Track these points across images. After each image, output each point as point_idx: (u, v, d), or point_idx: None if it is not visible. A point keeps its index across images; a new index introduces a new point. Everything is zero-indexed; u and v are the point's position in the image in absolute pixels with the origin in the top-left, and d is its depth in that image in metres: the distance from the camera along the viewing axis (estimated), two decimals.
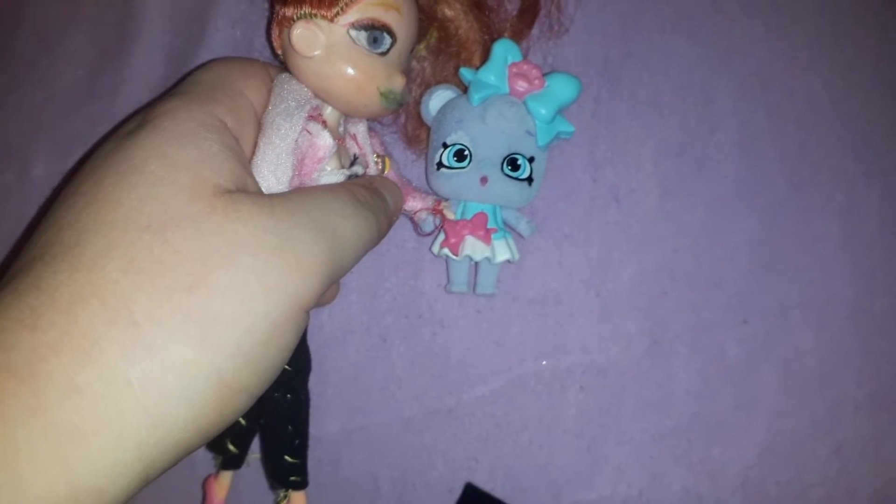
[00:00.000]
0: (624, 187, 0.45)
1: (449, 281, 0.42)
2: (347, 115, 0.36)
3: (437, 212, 0.41)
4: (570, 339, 0.44)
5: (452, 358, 0.44)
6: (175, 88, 0.32)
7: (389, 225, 0.36)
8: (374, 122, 0.39)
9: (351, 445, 0.43)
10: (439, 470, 0.43)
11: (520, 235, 0.42)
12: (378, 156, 0.38)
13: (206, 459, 0.42)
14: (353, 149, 0.37)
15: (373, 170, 0.38)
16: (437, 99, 0.41)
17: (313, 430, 0.38)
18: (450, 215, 0.41)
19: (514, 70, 0.40)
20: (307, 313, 0.29)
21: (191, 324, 0.25)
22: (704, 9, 0.46)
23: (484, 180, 0.40)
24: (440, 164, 0.40)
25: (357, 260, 0.32)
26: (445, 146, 0.40)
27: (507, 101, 0.40)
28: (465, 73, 0.40)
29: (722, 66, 0.46)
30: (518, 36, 0.42)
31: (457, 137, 0.40)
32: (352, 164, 0.36)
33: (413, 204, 0.40)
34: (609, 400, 0.44)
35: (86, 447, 0.23)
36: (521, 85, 0.40)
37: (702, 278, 0.44)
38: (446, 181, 0.41)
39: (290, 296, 0.27)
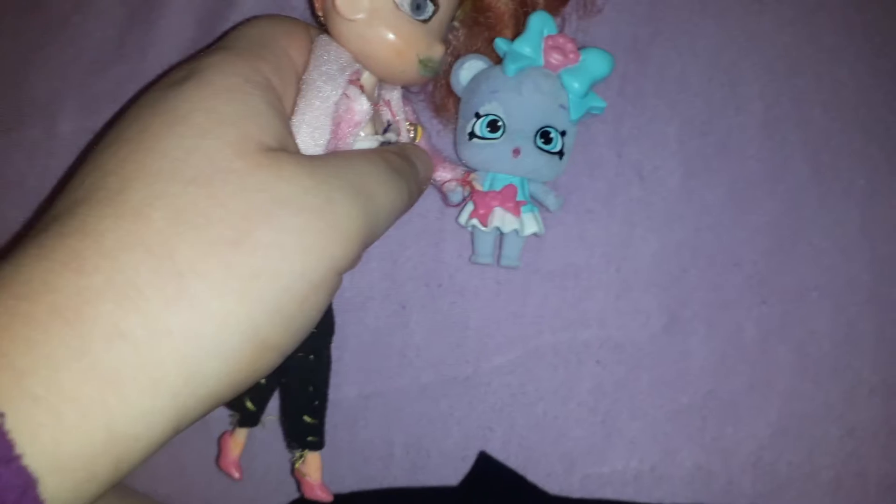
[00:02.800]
0: (648, 165, 0.45)
1: (474, 252, 0.42)
2: (383, 81, 0.36)
3: (465, 183, 0.41)
4: (589, 313, 0.44)
5: (470, 327, 0.44)
6: (220, 42, 0.32)
7: (420, 193, 0.36)
8: (405, 89, 0.39)
9: (367, 410, 0.44)
10: (454, 438, 0.43)
11: (545, 209, 0.42)
12: (410, 124, 0.38)
13: (220, 418, 0.43)
14: (387, 115, 0.37)
15: (405, 137, 0.38)
16: (468, 69, 0.41)
17: (331, 393, 0.38)
18: (478, 187, 0.41)
19: (550, 43, 0.40)
20: (341, 276, 0.29)
21: (232, 278, 0.25)
22: None
23: (517, 152, 0.40)
24: (472, 134, 0.40)
25: (389, 226, 0.32)
26: (478, 116, 0.40)
27: (543, 73, 0.40)
28: (501, 43, 0.40)
29: (749, 49, 0.46)
30: (553, 12, 0.42)
31: (490, 108, 0.40)
32: (385, 130, 0.36)
33: (443, 174, 0.40)
34: (625, 375, 0.44)
35: (125, 393, 0.23)
36: (556, 58, 0.40)
37: (722, 257, 0.45)
38: (478, 151, 0.41)
39: (326, 258, 0.27)
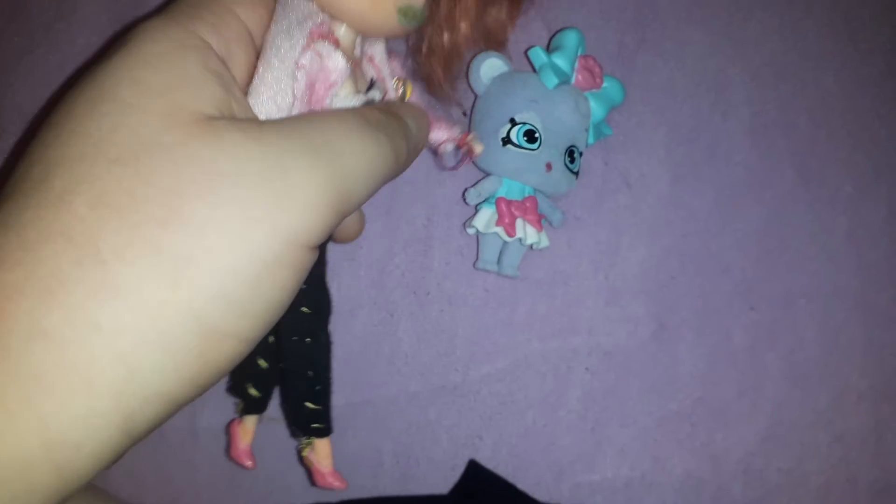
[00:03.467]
0: (635, 172, 0.45)
1: (478, 258, 0.42)
2: (363, 35, 0.32)
3: (463, 144, 0.38)
4: (578, 320, 0.44)
5: (459, 335, 0.44)
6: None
7: (413, 151, 0.32)
8: (393, 42, 0.36)
9: (355, 419, 0.43)
10: (443, 446, 0.43)
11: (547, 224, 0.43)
12: (398, 79, 0.35)
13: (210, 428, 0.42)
14: (371, 72, 0.33)
15: (392, 95, 0.34)
16: (489, 67, 0.41)
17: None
18: (478, 148, 0.38)
19: (583, 63, 0.40)
20: (311, 250, 0.26)
21: (164, 262, 0.22)
22: None
23: (549, 166, 0.40)
24: (507, 140, 0.40)
25: (372, 189, 0.28)
26: (514, 123, 0.40)
27: (579, 93, 0.41)
28: (540, 53, 0.40)
29: (736, 56, 0.46)
30: None
31: (528, 117, 0.40)
32: (368, 88, 0.32)
33: (438, 134, 0.37)
34: (614, 382, 0.44)
35: (56, 395, 0.21)
36: (586, 79, 0.40)
37: (710, 264, 0.45)
38: (511, 159, 0.40)
39: (279, 230, 0.24)
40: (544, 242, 0.41)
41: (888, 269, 0.45)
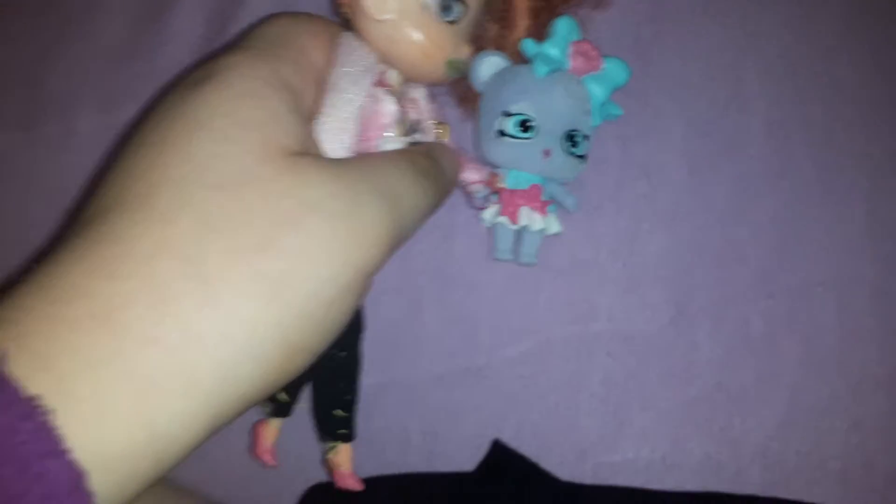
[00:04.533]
0: (653, 162, 0.46)
1: (494, 248, 0.43)
2: (410, 80, 0.36)
3: (491, 185, 0.41)
4: (598, 307, 0.45)
5: (482, 320, 0.45)
6: (239, 42, 0.32)
7: (447, 193, 0.36)
8: (431, 86, 0.39)
9: (384, 399, 0.44)
10: (468, 426, 0.44)
11: (562, 209, 0.43)
12: (437, 122, 0.38)
13: None
14: (413, 114, 0.36)
15: (431, 136, 0.37)
16: (488, 65, 0.42)
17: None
18: (502, 186, 0.41)
19: (576, 49, 0.41)
20: (369, 279, 0.29)
21: (260, 283, 0.25)
22: None
23: (547, 153, 0.40)
24: (502, 133, 0.41)
25: (417, 228, 0.32)
26: (508, 115, 0.41)
27: (572, 78, 0.41)
28: (530, 44, 0.41)
29: (751, 49, 0.47)
30: (564, 6, 0.43)
31: (521, 107, 0.40)
32: (412, 130, 0.36)
33: (469, 175, 0.40)
34: (634, 367, 0.44)
35: (161, 396, 0.23)
36: (582, 64, 0.41)
37: (727, 253, 0.45)
38: (507, 150, 0.41)
39: (353, 262, 0.27)
40: (554, 228, 0.42)
41: None
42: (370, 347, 0.44)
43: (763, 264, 0.45)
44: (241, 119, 0.27)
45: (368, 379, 0.44)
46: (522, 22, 0.41)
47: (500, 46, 0.42)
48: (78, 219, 0.27)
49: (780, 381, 0.45)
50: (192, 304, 0.24)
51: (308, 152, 0.29)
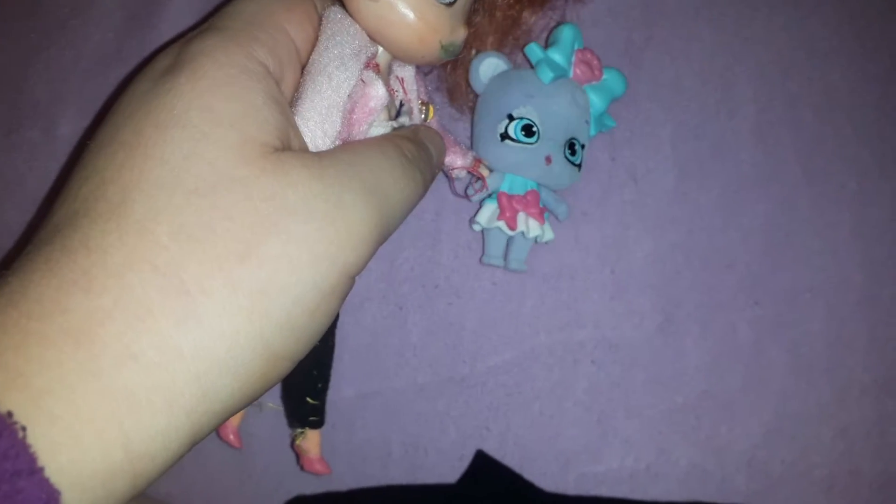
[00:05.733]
0: (641, 167, 0.46)
1: (485, 253, 0.43)
2: (400, 61, 0.34)
3: (475, 172, 0.40)
4: (584, 314, 0.45)
5: (467, 328, 0.44)
6: (210, 21, 0.29)
7: (433, 178, 0.34)
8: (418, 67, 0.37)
9: (365, 410, 0.44)
10: (451, 436, 0.44)
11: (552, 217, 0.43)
12: (423, 102, 0.37)
13: None
14: (399, 94, 0.35)
15: (417, 117, 0.36)
16: (488, 66, 0.41)
17: (329, 394, 0.39)
18: (486, 175, 0.40)
19: (580, 57, 0.41)
20: (353, 280, 0.28)
21: (241, 294, 0.24)
22: None
23: (549, 160, 0.40)
24: (505, 136, 0.40)
25: (402, 221, 0.31)
26: (512, 118, 0.40)
27: (576, 86, 0.41)
28: (536, 49, 0.41)
29: (742, 54, 0.47)
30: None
31: (525, 112, 0.40)
32: (398, 111, 0.34)
33: (453, 159, 0.39)
34: (620, 375, 0.44)
35: (140, 413, 0.23)
36: (585, 73, 0.41)
37: (715, 259, 0.45)
38: (510, 154, 0.40)
39: (338, 264, 0.26)
40: (548, 235, 0.42)
41: (892, 264, 0.45)
42: (351, 357, 0.44)
43: (751, 270, 0.45)
44: (217, 114, 0.26)
45: (349, 390, 0.44)
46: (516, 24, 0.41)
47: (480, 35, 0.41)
48: (47, 223, 0.26)
49: (767, 388, 0.44)
50: (171, 319, 0.23)
51: (289, 146, 0.27)
